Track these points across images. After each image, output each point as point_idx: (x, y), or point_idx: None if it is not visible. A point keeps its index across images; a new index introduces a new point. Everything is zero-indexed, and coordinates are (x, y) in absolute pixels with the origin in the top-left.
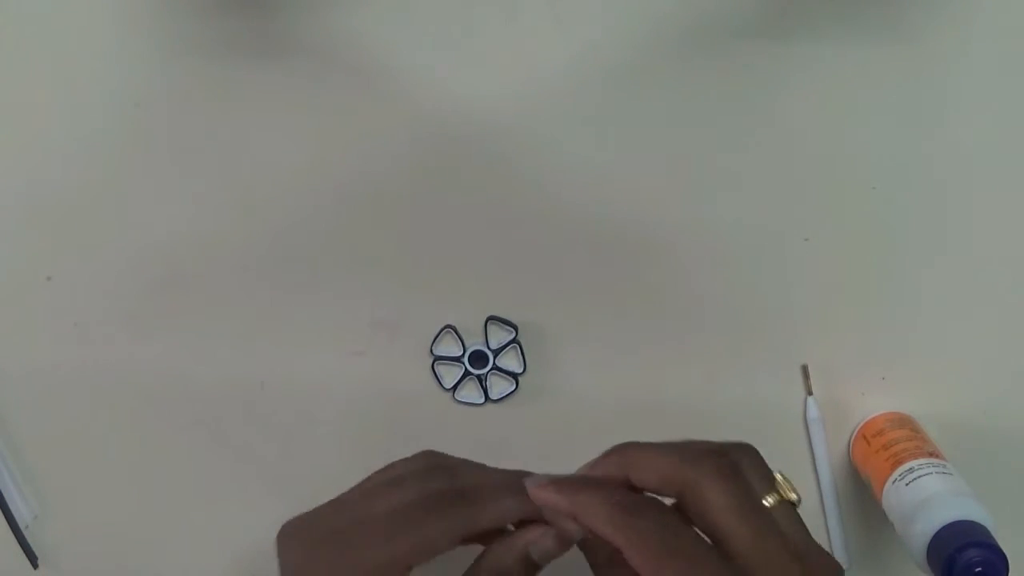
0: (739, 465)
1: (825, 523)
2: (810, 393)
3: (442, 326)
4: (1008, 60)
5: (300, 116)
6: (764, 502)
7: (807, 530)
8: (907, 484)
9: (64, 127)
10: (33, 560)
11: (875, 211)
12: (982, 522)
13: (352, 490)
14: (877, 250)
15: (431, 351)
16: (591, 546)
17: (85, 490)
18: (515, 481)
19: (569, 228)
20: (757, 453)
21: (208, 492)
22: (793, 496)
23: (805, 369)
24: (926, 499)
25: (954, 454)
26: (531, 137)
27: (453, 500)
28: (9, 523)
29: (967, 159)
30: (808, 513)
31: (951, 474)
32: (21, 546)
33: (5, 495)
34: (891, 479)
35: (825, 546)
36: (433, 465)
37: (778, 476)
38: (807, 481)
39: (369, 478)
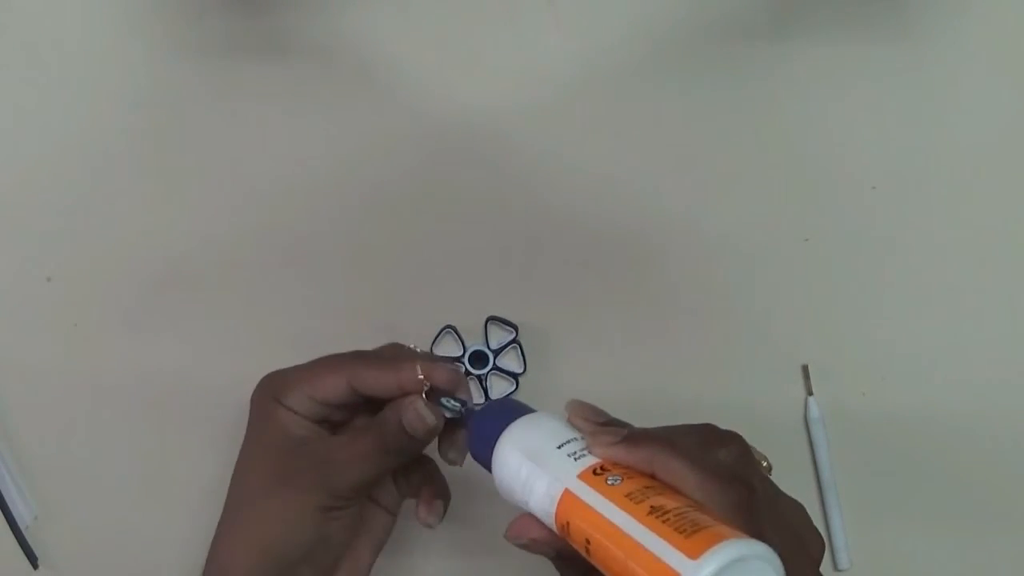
0: (755, 488)
1: (826, 523)
2: (810, 393)
3: (442, 326)
4: (1008, 60)
5: (300, 117)
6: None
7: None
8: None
9: (64, 127)
10: (33, 560)
11: (875, 211)
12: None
13: None
14: (877, 250)
15: (431, 351)
16: (566, 564)
17: (85, 490)
18: (400, 364)
19: (569, 228)
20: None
21: (208, 492)
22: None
23: (805, 369)
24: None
25: (954, 455)
26: (531, 137)
27: (353, 355)
28: (9, 523)
29: (967, 159)
30: (809, 513)
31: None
32: (21, 546)
33: (5, 495)
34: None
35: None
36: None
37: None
38: (807, 481)
39: None
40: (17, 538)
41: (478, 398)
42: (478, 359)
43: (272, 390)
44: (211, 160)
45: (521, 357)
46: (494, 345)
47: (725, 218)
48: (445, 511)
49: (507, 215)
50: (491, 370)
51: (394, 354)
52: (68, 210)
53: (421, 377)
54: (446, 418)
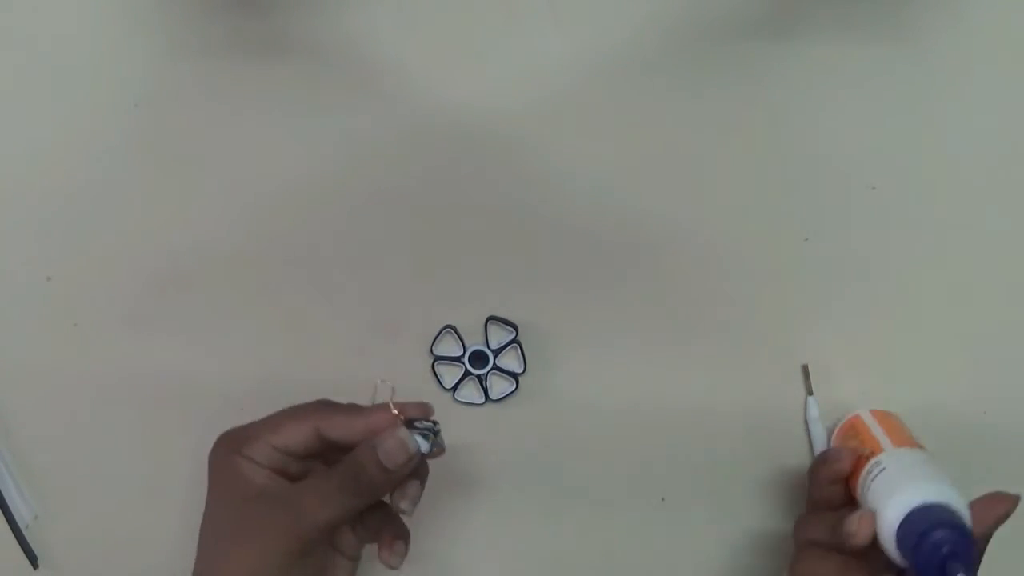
0: None
1: None
2: (810, 393)
3: (442, 326)
4: (1008, 60)
5: (300, 116)
6: None
7: None
8: (878, 473)
9: (64, 127)
10: (33, 560)
11: (875, 211)
12: (952, 504)
13: None
14: (877, 250)
15: (431, 351)
16: None
17: (85, 490)
18: (370, 409)
19: (569, 228)
20: None
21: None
22: None
23: (805, 369)
24: (895, 486)
25: (953, 453)
26: (531, 137)
27: (318, 403)
28: (9, 523)
29: (967, 159)
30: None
31: (924, 461)
32: (21, 546)
33: (5, 495)
34: (864, 470)
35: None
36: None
37: None
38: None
39: None
40: (17, 538)
41: (478, 399)
42: (478, 359)
43: (231, 444)
44: (211, 160)
45: (521, 357)
46: (494, 345)
47: (725, 218)
48: (406, 551)
49: (507, 215)
50: (491, 370)
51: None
52: (68, 210)
53: (395, 412)
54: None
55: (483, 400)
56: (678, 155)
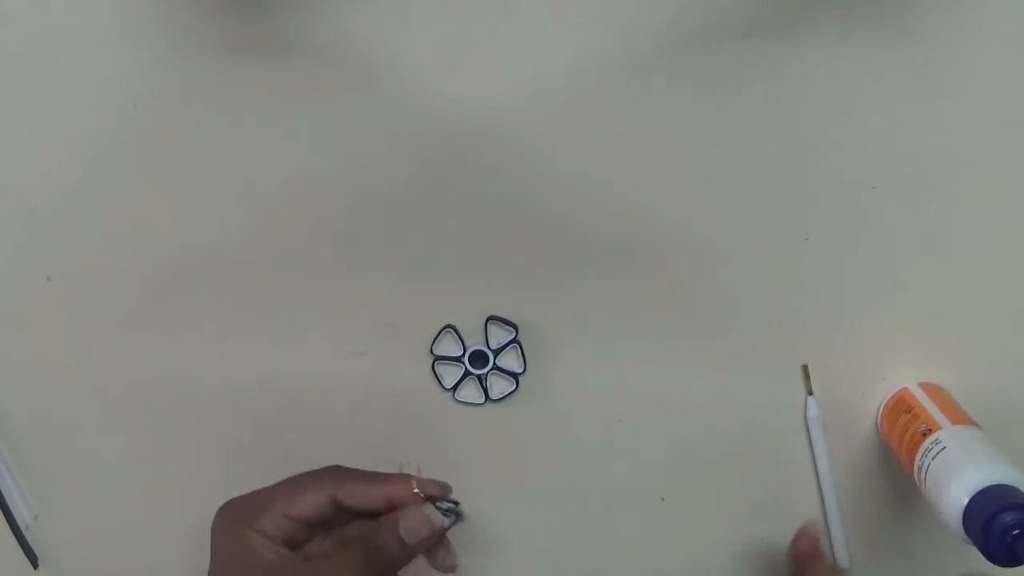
0: None
1: (825, 523)
2: (810, 393)
3: (442, 326)
4: (1008, 60)
5: (300, 116)
6: None
7: None
8: (938, 452)
9: (64, 127)
10: (33, 560)
11: (875, 211)
12: (1019, 485)
13: None
14: (877, 250)
15: (431, 351)
16: None
17: (85, 490)
18: (387, 476)
19: (569, 228)
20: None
21: (207, 492)
22: None
23: (805, 369)
24: (958, 465)
25: None
26: (531, 136)
27: (331, 469)
28: (9, 523)
29: (967, 159)
30: (808, 513)
31: (983, 440)
32: (21, 546)
33: (5, 495)
34: (922, 447)
35: (825, 546)
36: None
37: None
38: (807, 481)
39: None
40: (17, 538)
41: (478, 399)
42: (478, 359)
43: (240, 516)
44: (211, 160)
45: (521, 357)
46: (494, 345)
47: (725, 218)
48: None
49: (508, 214)
50: (491, 370)
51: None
52: (68, 210)
53: (416, 490)
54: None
55: (483, 400)
56: (678, 155)
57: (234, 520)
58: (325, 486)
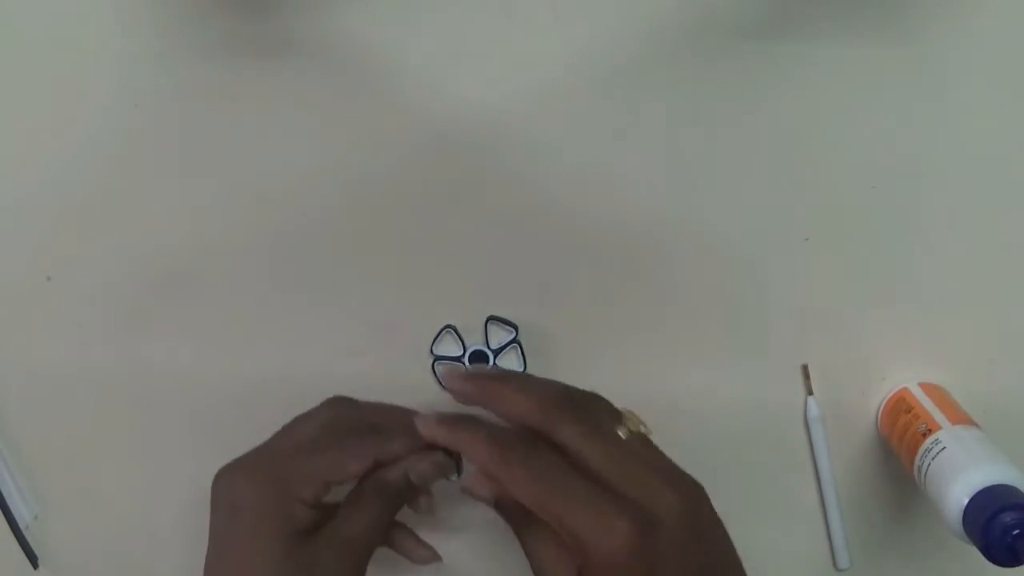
0: (587, 408)
1: (825, 523)
2: (810, 393)
3: (442, 326)
4: (1007, 60)
5: (300, 116)
6: (620, 433)
7: (665, 456)
8: (938, 452)
9: (64, 127)
10: (33, 560)
11: (875, 211)
12: (1018, 485)
13: (273, 435)
14: (877, 250)
15: (431, 351)
16: (506, 508)
17: (85, 490)
18: (411, 419)
19: (569, 228)
20: (603, 399)
21: (207, 492)
22: (642, 428)
23: (805, 369)
24: (958, 465)
25: None
26: (531, 136)
27: (363, 430)
28: (9, 523)
29: (967, 159)
30: (808, 513)
31: (983, 440)
32: (21, 546)
33: (5, 495)
34: (922, 447)
35: (826, 546)
36: (339, 402)
37: (625, 412)
38: (807, 481)
39: (285, 425)
40: (17, 538)
41: None
42: (478, 359)
43: (282, 486)
44: (211, 160)
45: (521, 357)
46: (494, 345)
47: (725, 218)
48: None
49: (508, 214)
50: None
51: (382, 418)
52: (68, 210)
53: (428, 433)
54: None
55: None
56: (678, 155)
57: (277, 485)
58: (371, 450)
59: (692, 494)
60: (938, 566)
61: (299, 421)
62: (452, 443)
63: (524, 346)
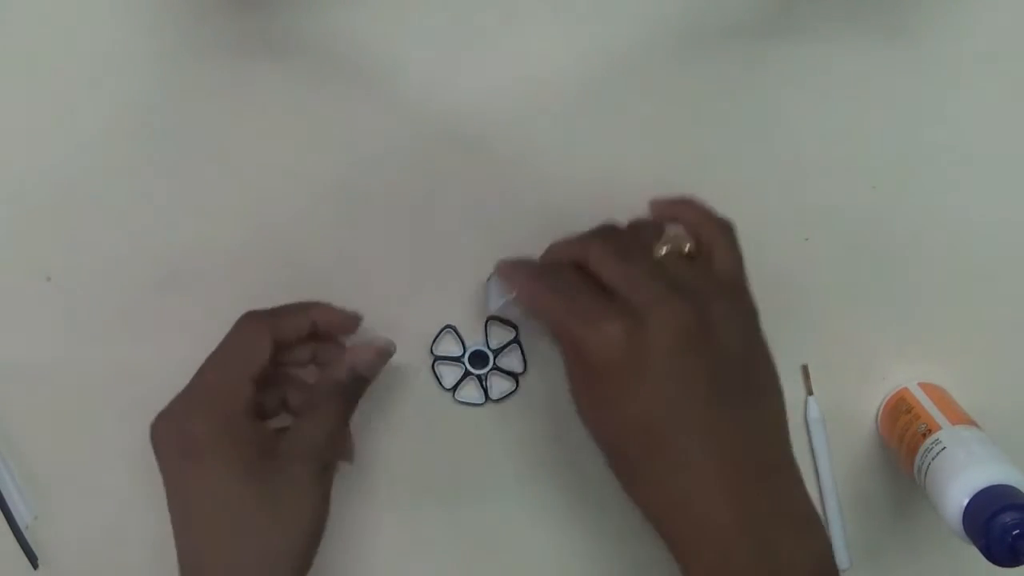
0: (619, 231)
1: (826, 523)
2: (810, 393)
3: (442, 326)
4: (1007, 60)
5: (300, 116)
6: (658, 251)
7: (706, 274)
8: (938, 452)
9: (64, 127)
10: (33, 560)
11: (875, 211)
12: (1018, 485)
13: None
14: (877, 250)
15: (431, 351)
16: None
17: (85, 490)
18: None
19: (568, 228)
20: (651, 220)
21: None
22: (687, 246)
23: (805, 369)
24: (958, 465)
25: None
26: (531, 137)
27: (261, 312)
28: (9, 523)
29: (967, 159)
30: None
31: (983, 440)
32: (21, 546)
33: (5, 495)
34: (922, 447)
35: None
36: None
37: (671, 231)
38: (808, 481)
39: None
40: (17, 538)
41: (478, 399)
42: (478, 359)
43: (222, 401)
44: (211, 160)
45: (521, 356)
46: (494, 345)
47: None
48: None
49: (507, 214)
50: (491, 370)
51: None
52: (68, 210)
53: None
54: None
55: (483, 400)
56: (678, 155)
57: (216, 404)
58: (264, 331)
59: (704, 304)
60: (938, 566)
61: (206, 360)
62: (504, 274)
63: (524, 346)
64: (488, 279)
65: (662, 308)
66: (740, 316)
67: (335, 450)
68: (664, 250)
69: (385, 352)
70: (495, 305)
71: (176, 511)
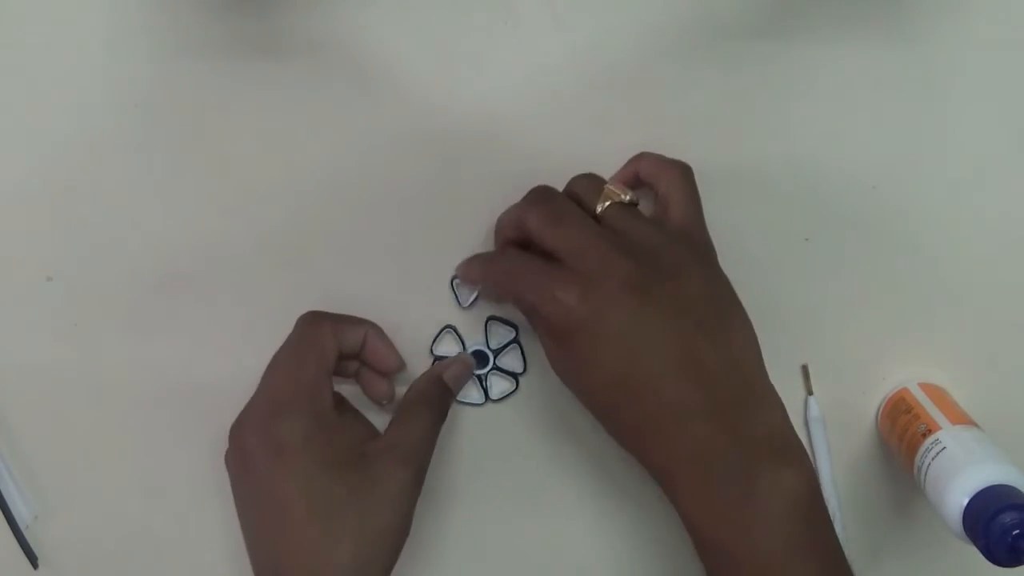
0: (555, 195)
1: None
2: (810, 393)
3: (442, 326)
4: (1007, 60)
5: (300, 116)
6: (599, 208)
7: (642, 222)
8: (938, 452)
9: (64, 127)
10: (33, 560)
11: (875, 211)
12: (1018, 485)
13: (260, 384)
14: (877, 250)
15: (431, 351)
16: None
17: (85, 490)
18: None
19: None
20: (590, 174)
21: (207, 492)
22: (625, 197)
23: (805, 369)
24: (958, 465)
25: None
26: (531, 136)
27: (324, 313)
28: (9, 523)
29: (967, 159)
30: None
31: (983, 440)
32: (21, 546)
33: (5, 495)
34: (922, 447)
35: None
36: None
37: (611, 185)
38: None
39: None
40: (17, 538)
41: (478, 399)
42: (478, 359)
43: (306, 397)
44: (211, 160)
45: (522, 357)
46: (494, 345)
47: (725, 218)
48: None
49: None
50: (491, 370)
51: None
52: (68, 210)
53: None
54: None
55: (483, 400)
56: (678, 155)
57: (302, 399)
58: (330, 331)
59: (640, 259)
60: (938, 566)
61: (275, 359)
62: (462, 273)
63: (524, 346)
64: (452, 280)
65: (607, 268)
66: (694, 258)
67: (425, 451)
68: (604, 204)
69: (470, 367)
70: (465, 301)
71: (262, 516)
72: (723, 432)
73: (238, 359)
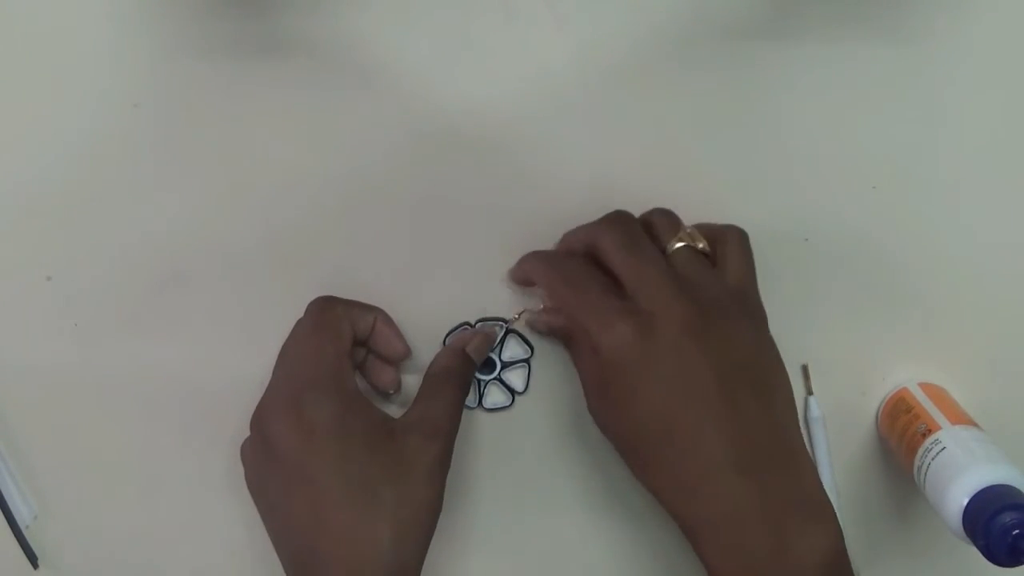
0: (632, 223)
1: None
2: (810, 393)
3: (458, 323)
4: (1008, 60)
5: (300, 116)
6: (671, 246)
7: (708, 272)
8: (938, 452)
9: (64, 127)
10: (33, 560)
11: (875, 211)
12: (1018, 485)
13: (276, 369)
14: (877, 250)
15: (444, 343)
16: (556, 329)
17: (85, 490)
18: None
19: (569, 227)
20: (669, 211)
21: (208, 492)
22: (699, 245)
23: (805, 369)
24: (958, 465)
25: None
26: (531, 137)
27: (335, 297)
28: (9, 523)
29: (967, 159)
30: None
31: (983, 440)
32: (21, 546)
33: (5, 495)
34: (922, 447)
35: None
36: (315, 303)
37: (687, 228)
38: None
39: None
40: (17, 538)
41: (472, 402)
42: (484, 364)
43: (330, 379)
44: (211, 160)
45: (526, 378)
46: (505, 357)
47: (725, 218)
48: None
49: (508, 214)
50: (493, 379)
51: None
52: (68, 210)
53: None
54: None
55: (475, 405)
56: (678, 154)
57: (328, 381)
58: (343, 314)
59: (703, 308)
60: (938, 566)
61: (288, 346)
62: (521, 269)
63: (533, 371)
64: (444, 339)
65: (670, 309)
66: (748, 321)
67: (451, 426)
68: (677, 245)
69: (492, 339)
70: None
71: (293, 502)
72: (757, 489)
73: (238, 359)
